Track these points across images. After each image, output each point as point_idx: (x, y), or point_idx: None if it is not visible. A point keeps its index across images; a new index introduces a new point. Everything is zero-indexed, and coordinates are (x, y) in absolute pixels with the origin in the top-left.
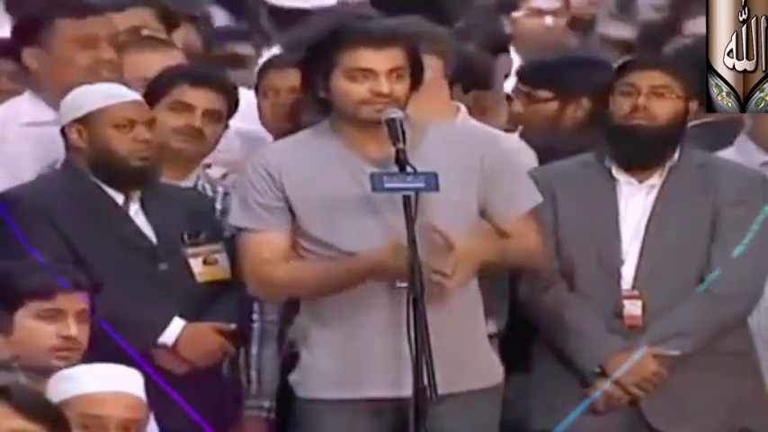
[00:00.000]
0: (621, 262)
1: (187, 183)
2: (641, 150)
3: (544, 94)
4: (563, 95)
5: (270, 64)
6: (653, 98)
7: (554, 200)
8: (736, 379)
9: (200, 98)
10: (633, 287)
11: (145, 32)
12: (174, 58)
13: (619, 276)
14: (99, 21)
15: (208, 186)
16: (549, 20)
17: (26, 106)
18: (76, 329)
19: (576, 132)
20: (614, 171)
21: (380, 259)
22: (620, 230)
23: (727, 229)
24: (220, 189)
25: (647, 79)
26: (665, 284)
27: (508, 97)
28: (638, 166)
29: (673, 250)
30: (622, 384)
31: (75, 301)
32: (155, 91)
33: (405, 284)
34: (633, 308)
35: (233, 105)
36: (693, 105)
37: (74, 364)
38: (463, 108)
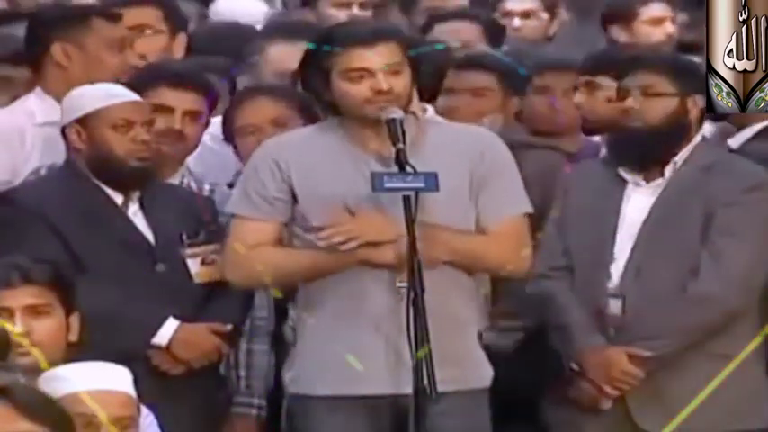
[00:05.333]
0: (612, 260)
1: (173, 181)
2: (633, 151)
3: (605, 81)
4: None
5: None
6: (642, 99)
7: (565, 197)
8: (728, 382)
9: (179, 99)
10: (619, 286)
11: (147, 33)
12: None
13: (608, 274)
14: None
15: (194, 184)
16: (516, 21)
17: (38, 106)
18: (26, 325)
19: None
20: (621, 171)
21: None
22: (617, 229)
23: (716, 230)
24: (206, 186)
25: (638, 80)
26: (650, 284)
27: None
28: (637, 166)
29: (662, 251)
30: (596, 383)
31: (20, 297)
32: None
33: (405, 284)
34: (614, 306)
35: (212, 103)
36: (694, 101)
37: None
38: (430, 108)
